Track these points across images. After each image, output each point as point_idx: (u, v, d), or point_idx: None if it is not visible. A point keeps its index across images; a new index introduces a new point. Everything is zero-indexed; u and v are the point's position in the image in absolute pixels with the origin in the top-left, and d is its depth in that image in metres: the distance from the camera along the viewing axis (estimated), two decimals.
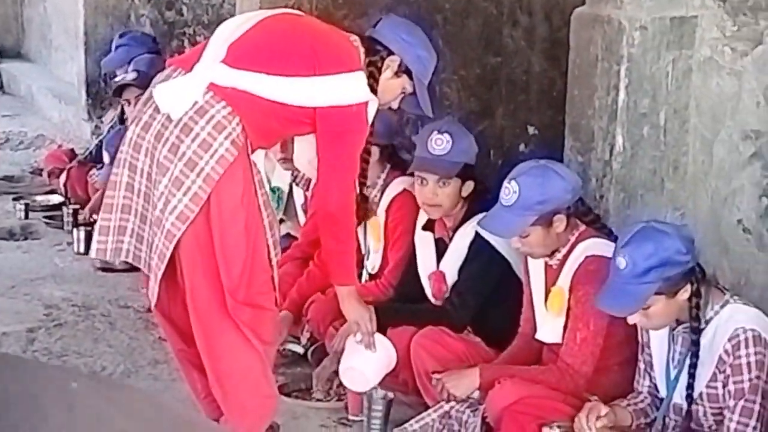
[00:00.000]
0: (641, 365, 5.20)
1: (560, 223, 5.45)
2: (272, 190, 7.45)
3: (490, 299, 6.08)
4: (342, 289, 5.64)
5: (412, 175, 6.29)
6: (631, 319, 4.90)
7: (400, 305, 6.36)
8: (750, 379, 4.73)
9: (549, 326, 5.63)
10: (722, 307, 4.90)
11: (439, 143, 6.03)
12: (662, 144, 6.06)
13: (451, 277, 6.21)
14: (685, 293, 4.82)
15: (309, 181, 7.20)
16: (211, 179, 4.98)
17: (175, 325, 5.43)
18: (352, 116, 5.19)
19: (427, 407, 5.91)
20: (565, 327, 5.52)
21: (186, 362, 5.49)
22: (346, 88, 5.15)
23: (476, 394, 5.59)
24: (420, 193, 6.20)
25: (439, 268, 6.28)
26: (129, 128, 5.23)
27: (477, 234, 5.98)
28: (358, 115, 5.19)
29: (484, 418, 5.53)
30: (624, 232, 5.02)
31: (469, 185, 6.07)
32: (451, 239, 6.22)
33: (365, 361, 5.74)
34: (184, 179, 4.97)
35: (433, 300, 6.33)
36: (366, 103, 5.19)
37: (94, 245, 5.26)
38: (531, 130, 7.26)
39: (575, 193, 5.52)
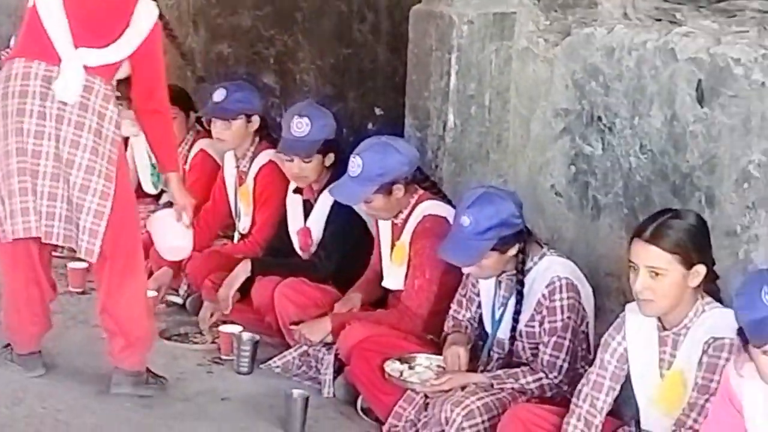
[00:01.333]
0: (463, 300, 5.23)
1: (399, 191, 5.48)
2: (152, 165, 7.37)
3: (349, 254, 6.02)
4: (172, 175, 5.68)
5: None
6: (466, 270, 4.92)
7: (273, 259, 6.29)
8: (562, 320, 4.76)
9: (393, 275, 5.65)
10: (540, 258, 4.92)
11: (299, 126, 5.99)
12: (487, 121, 6.09)
13: (317, 233, 6.18)
14: (513, 250, 4.85)
15: (187, 155, 7.14)
16: (116, 142, 5.21)
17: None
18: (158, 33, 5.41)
19: (289, 347, 5.89)
20: (406, 276, 5.52)
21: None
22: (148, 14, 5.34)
23: (329, 338, 5.53)
24: (288, 169, 6.17)
25: (306, 224, 6.23)
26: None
27: None
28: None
29: (336, 355, 5.50)
30: (467, 195, 5.01)
31: (331, 157, 6.04)
32: (316, 200, 6.17)
33: (182, 237, 5.83)
34: (98, 147, 5.12)
35: (300, 252, 6.29)
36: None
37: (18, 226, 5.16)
38: (377, 111, 7.22)
39: (412, 165, 5.53)
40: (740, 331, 3.56)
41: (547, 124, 5.76)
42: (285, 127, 6.12)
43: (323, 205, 6.12)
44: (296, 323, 5.72)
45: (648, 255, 4.03)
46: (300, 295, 5.85)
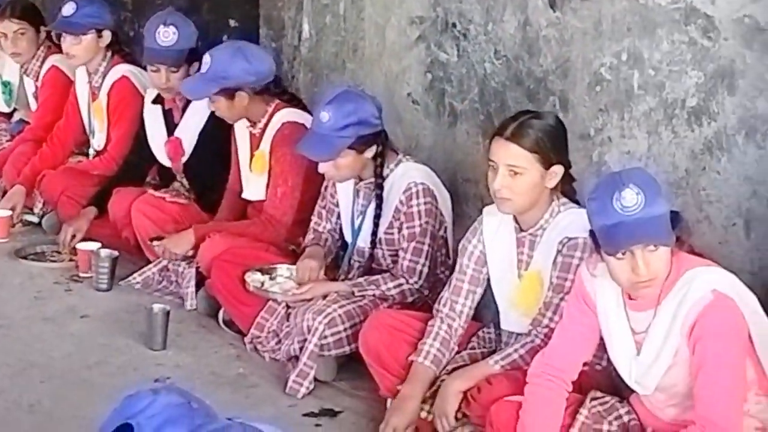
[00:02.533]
0: (322, 211, 5.23)
1: (242, 98, 5.40)
2: (3, 83, 7.22)
3: (215, 172, 5.93)
4: None
5: (133, 63, 6.14)
6: (322, 168, 4.87)
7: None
8: (420, 225, 4.77)
9: (253, 186, 5.61)
10: (396, 165, 4.91)
11: (166, 35, 5.87)
12: (342, 30, 6.06)
13: (188, 143, 6.06)
14: (370, 152, 4.83)
15: (38, 72, 7.00)
16: None
17: None
18: None
19: (148, 262, 5.84)
20: (267, 186, 5.49)
21: None
22: None
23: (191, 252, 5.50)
24: (155, 80, 6.02)
25: (175, 135, 6.10)
26: None
27: None
28: None
29: (197, 269, 5.45)
30: (328, 93, 4.98)
31: (196, 65, 5.91)
32: (183, 110, 6.05)
33: None
34: None
35: (170, 163, 6.19)
36: None
37: None
38: (232, 23, 7.13)
39: (260, 77, 5.44)
40: (592, 233, 3.61)
41: (402, 31, 5.74)
42: (149, 37, 5.95)
43: (195, 114, 6.00)
44: (157, 239, 5.66)
45: (508, 153, 4.06)
46: (157, 210, 5.81)
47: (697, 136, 4.39)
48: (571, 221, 4.12)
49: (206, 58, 5.43)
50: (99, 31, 6.45)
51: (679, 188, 4.47)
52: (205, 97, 5.51)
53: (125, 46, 6.66)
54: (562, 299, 4.09)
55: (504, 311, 4.34)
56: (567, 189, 4.24)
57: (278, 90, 5.59)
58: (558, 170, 4.12)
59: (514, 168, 4.06)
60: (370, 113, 4.81)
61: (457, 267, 4.38)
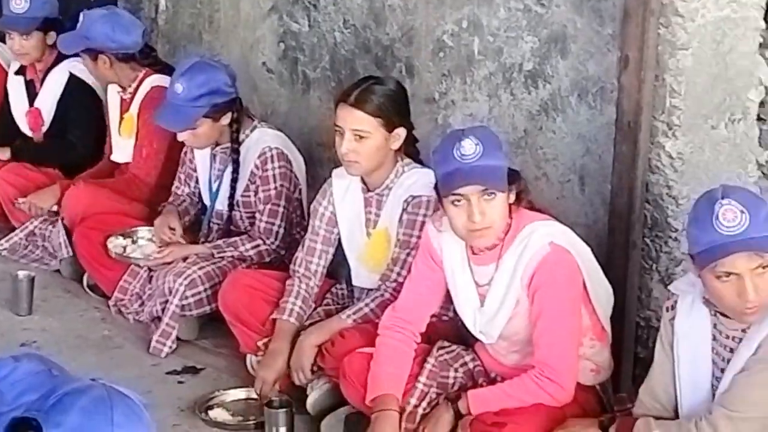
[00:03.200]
0: (182, 176, 5.14)
1: (104, 62, 5.40)
2: None
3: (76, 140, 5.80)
4: None
5: None
6: (180, 136, 4.79)
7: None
8: (275, 188, 4.72)
9: (121, 148, 5.53)
10: (252, 131, 4.84)
11: (18, 3, 5.75)
12: (198, 3, 5.98)
13: (47, 113, 5.90)
14: (226, 119, 4.75)
15: None
16: None
17: None
18: None
19: (13, 229, 5.66)
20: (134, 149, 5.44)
21: None
22: None
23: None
24: (9, 46, 5.88)
25: (35, 105, 5.95)
26: None
27: (71, 74, 5.79)
28: None
29: (65, 227, 5.33)
30: (181, 64, 4.88)
31: (52, 35, 5.76)
32: (42, 80, 5.90)
33: None
34: None
35: (31, 134, 6.00)
36: None
37: None
38: None
39: (121, 45, 5.37)
40: (436, 187, 3.60)
41: (255, 3, 5.67)
42: (4, 4, 5.84)
43: (53, 83, 5.86)
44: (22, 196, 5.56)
45: (353, 118, 4.02)
46: (21, 177, 5.68)
47: (534, 98, 4.42)
48: (415, 180, 4.11)
49: (81, 16, 5.41)
50: None
51: (519, 148, 4.50)
52: (72, 52, 5.51)
53: None
54: (408, 255, 4.07)
55: (355, 268, 4.32)
56: (410, 150, 4.22)
57: (146, 59, 5.48)
58: (401, 133, 4.10)
59: (359, 132, 4.02)
60: (222, 82, 4.72)
61: (310, 228, 4.36)
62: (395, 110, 4.09)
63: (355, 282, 4.35)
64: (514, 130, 4.51)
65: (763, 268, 2.99)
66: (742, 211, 2.96)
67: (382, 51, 5.04)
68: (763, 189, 3.13)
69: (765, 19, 3.88)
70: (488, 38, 4.55)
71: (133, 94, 5.41)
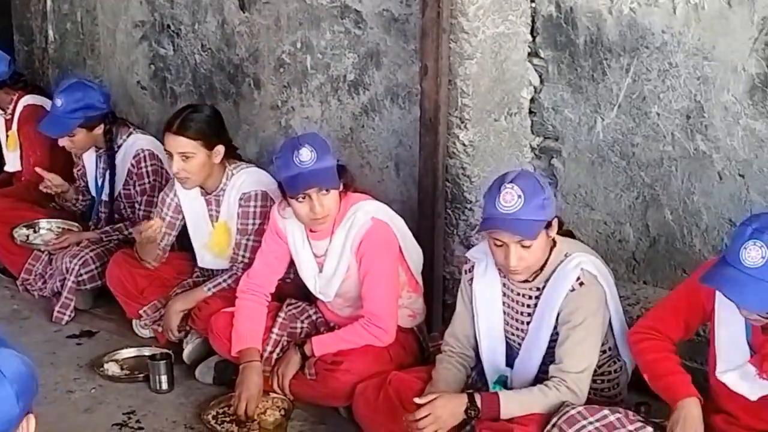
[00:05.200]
0: (77, 173, 4.94)
1: None
2: None
3: None
4: None
5: None
6: (61, 142, 4.62)
7: None
8: (149, 182, 4.55)
9: (11, 160, 5.32)
10: (128, 136, 4.65)
11: None
12: (81, 34, 5.81)
13: None
14: (99, 129, 4.58)
15: None
16: None
17: None
18: None
19: None
20: (21, 158, 5.26)
21: None
22: None
23: None
24: None
25: None
26: None
27: None
28: None
29: None
30: (63, 83, 4.71)
31: None
32: None
33: None
34: None
35: None
36: None
37: None
38: None
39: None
40: (280, 184, 3.56)
41: (128, 33, 5.52)
42: None
43: None
44: None
45: (177, 144, 3.88)
46: None
47: (357, 102, 4.41)
48: (244, 180, 4.03)
49: None
50: None
51: (346, 142, 4.49)
52: None
53: None
54: (248, 240, 4.02)
55: (200, 254, 4.21)
56: (234, 156, 4.12)
57: (17, 83, 5.27)
58: (220, 149, 3.97)
59: (185, 154, 3.90)
60: (96, 99, 4.55)
61: (156, 213, 4.21)
62: (212, 132, 3.96)
63: (200, 264, 4.25)
64: (342, 128, 4.50)
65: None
66: (519, 196, 2.93)
67: (233, 69, 4.96)
68: (540, 177, 3.11)
69: (531, 33, 3.93)
70: (318, 56, 4.52)
71: (12, 113, 5.21)
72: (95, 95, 4.55)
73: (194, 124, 3.91)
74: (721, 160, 3.55)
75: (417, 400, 3.04)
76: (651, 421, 2.96)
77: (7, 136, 5.28)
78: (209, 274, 4.23)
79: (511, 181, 2.97)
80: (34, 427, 1.89)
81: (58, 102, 4.51)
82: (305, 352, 3.64)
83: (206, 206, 4.11)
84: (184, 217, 4.20)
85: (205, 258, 4.20)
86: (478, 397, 3.02)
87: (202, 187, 4.06)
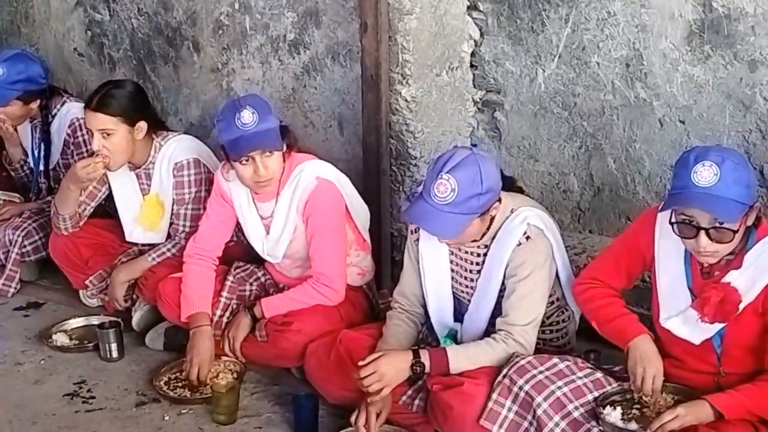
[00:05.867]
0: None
1: None
2: None
3: None
4: None
5: None
6: None
7: None
8: (86, 151, 4.41)
9: None
10: (62, 105, 4.56)
11: None
12: (14, 2, 5.67)
13: None
14: (35, 103, 4.49)
15: None
16: None
17: None
18: None
19: None
20: None
21: None
22: None
23: None
24: None
25: None
26: None
27: None
28: None
29: None
30: (4, 52, 4.56)
31: None
32: None
33: None
34: None
35: None
36: None
37: None
38: None
39: None
40: (223, 148, 3.51)
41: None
42: None
43: None
44: None
45: (97, 121, 3.81)
46: None
47: (298, 62, 4.37)
48: (174, 148, 3.98)
49: None
50: None
51: (289, 103, 4.45)
52: None
53: None
54: (186, 208, 3.99)
55: (129, 228, 4.15)
56: (161, 127, 4.05)
57: None
58: (143, 126, 3.90)
59: (105, 131, 3.83)
60: (37, 73, 4.46)
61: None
62: (133, 108, 3.88)
63: (128, 239, 4.17)
64: (284, 89, 4.45)
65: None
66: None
67: (171, 32, 4.89)
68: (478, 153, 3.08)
69: None
70: (257, 16, 4.46)
71: None
72: (37, 69, 4.45)
73: (114, 100, 3.83)
74: (662, 107, 3.57)
75: (361, 363, 3.03)
76: (601, 368, 3.00)
77: None
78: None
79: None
80: None
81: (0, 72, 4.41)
82: (255, 314, 3.62)
83: (136, 180, 4.05)
84: (108, 190, 4.13)
85: (135, 232, 4.13)
86: (424, 354, 3.03)
87: (130, 162, 3.99)
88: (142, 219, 4.08)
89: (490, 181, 2.93)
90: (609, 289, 3.04)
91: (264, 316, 3.60)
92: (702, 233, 2.67)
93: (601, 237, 3.83)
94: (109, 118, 3.81)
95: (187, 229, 3.96)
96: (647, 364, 2.84)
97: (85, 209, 4.15)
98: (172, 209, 4.01)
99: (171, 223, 4.04)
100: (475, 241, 3.11)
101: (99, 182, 4.09)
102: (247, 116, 3.42)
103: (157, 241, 4.07)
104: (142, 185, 4.05)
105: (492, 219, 3.06)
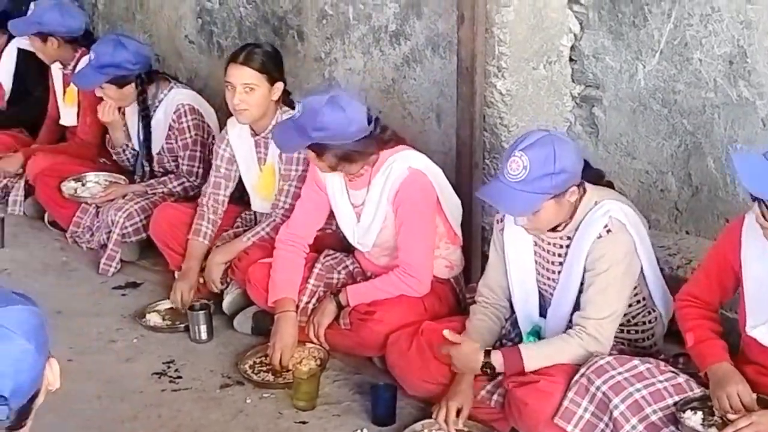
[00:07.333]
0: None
1: (52, 43, 5.11)
2: None
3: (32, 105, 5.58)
4: None
5: None
6: (97, 92, 4.67)
7: None
8: (191, 136, 4.59)
9: (67, 114, 5.33)
10: (169, 91, 4.67)
11: None
12: None
13: (6, 85, 5.64)
14: (131, 88, 4.59)
15: None
16: None
17: None
18: None
19: None
20: (77, 114, 5.24)
21: None
22: None
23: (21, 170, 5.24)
24: None
25: None
26: None
27: (19, 49, 5.52)
28: None
29: (26, 182, 5.17)
30: (100, 38, 4.75)
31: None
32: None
33: None
34: None
35: None
36: None
37: None
38: None
39: (69, 29, 5.11)
40: None
41: None
42: None
43: (8, 59, 5.61)
44: None
45: (242, 74, 3.90)
46: None
47: (398, 52, 4.37)
48: None
49: (32, 5, 5.19)
50: None
51: (388, 94, 4.46)
52: (23, 35, 5.25)
53: None
54: (290, 185, 4.03)
55: (253, 197, 4.24)
56: (287, 100, 4.12)
57: (87, 41, 5.28)
58: (279, 86, 3.99)
59: (249, 85, 3.91)
60: (125, 59, 4.52)
61: (213, 167, 4.25)
62: (274, 67, 3.98)
63: (253, 207, 4.27)
64: (384, 79, 4.46)
65: None
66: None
67: (277, 21, 4.95)
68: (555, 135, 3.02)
69: None
70: (360, 6, 4.48)
71: (73, 69, 5.17)
72: (125, 55, 4.52)
73: (259, 57, 3.94)
74: (765, 106, 3.45)
75: (446, 333, 3.08)
76: (686, 372, 2.92)
77: (65, 91, 5.30)
78: (249, 225, 4.26)
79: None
80: (57, 369, 1.93)
81: (91, 56, 4.55)
82: (340, 301, 3.64)
83: (254, 148, 4.13)
84: (238, 167, 4.22)
85: (256, 201, 4.23)
86: (496, 355, 3.02)
87: (252, 128, 4.07)
88: (259, 188, 4.16)
89: (564, 161, 2.88)
90: (704, 308, 2.96)
91: (349, 304, 3.62)
92: None
93: (698, 239, 3.73)
94: (254, 72, 3.91)
95: (287, 206, 4.02)
96: (728, 384, 2.75)
97: (226, 189, 4.24)
98: (279, 184, 4.07)
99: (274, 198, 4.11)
100: (557, 232, 3.06)
101: (228, 162, 4.20)
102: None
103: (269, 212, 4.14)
104: (259, 153, 4.12)
105: (575, 209, 3.01)
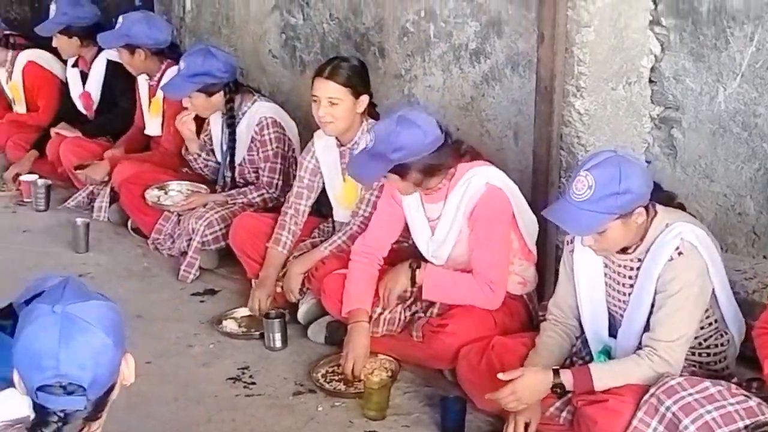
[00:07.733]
0: (206, 139, 5.06)
1: (140, 55, 5.29)
2: None
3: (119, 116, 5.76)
4: None
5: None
6: (184, 102, 4.79)
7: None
8: (273, 149, 4.69)
9: (151, 124, 5.51)
10: (253, 104, 4.79)
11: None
12: (217, 3, 5.97)
13: (95, 95, 5.88)
14: (219, 96, 4.70)
15: None
16: None
17: None
18: None
19: (78, 190, 5.68)
20: (162, 125, 5.41)
21: None
22: None
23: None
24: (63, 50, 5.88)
25: (84, 90, 5.93)
26: None
27: (108, 60, 5.71)
28: None
29: (112, 188, 5.35)
30: (190, 48, 4.88)
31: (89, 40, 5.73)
32: (89, 69, 5.86)
33: None
34: None
35: (85, 112, 5.98)
36: None
37: None
38: (137, 2, 6.90)
39: (156, 41, 5.30)
40: None
41: (261, 2, 5.66)
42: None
43: (97, 70, 5.84)
44: (80, 167, 5.54)
45: (327, 88, 3.99)
46: (80, 148, 5.67)
47: (478, 71, 4.41)
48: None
49: (120, 19, 5.34)
50: None
51: (466, 111, 4.50)
52: (112, 48, 5.41)
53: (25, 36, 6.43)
54: (371, 194, 4.09)
55: (335, 207, 4.32)
56: (372, 112, 4.20)
57: (173, 53, 5.44)
58: (365, 99, 4.08)
59: (332, 99, 4.00)
60: (215, 68, 4.65)
61: (297, 177, 4.34)
62: (359, 81, 4.07)
63: (336, 218, 4.35)
64: (462, 97, 4.51)
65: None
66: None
67: (359, 37, 5.03)
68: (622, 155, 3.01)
69: (653, 0, 3.85)
70: (441, 24, 4.54)
71: (158, 81, 5.35)
72: (216, 63, 4.65)
73: (344, 71, 4.03)
74: None
75: (501, 376, 3.05)
76: (758, 396, 2.90)
77: (150, 101, 5.46)
78: (326, 236, 4.33)
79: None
80: (133, 364, 2.00)
81: (181, 65, 4.68)
82: (416, 275, 3.69)
83: (339, 159, 4.20)
84: (322, 178, 4.29)
85: (339, 211, 4.31)
86: (566, 374, 3.02)
87: (338, 139, 4.15)
88: (342, 198, 4.24)
89: (629, 182, 2.88)
90: None
91: (419, 282, 3.68)
92: None
93: None
94: (339, 87, 4.00)
95: (366, 215, 4.09)
96: None
97: (308, 200, 4.33)
98: (361, 193, 4.15)
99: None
100: (628, 253, 3.07)
101: (312, 173, 4.29)
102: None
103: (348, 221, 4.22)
104: (343, 164, 4.18)
105: (645, 231, 3.01)
